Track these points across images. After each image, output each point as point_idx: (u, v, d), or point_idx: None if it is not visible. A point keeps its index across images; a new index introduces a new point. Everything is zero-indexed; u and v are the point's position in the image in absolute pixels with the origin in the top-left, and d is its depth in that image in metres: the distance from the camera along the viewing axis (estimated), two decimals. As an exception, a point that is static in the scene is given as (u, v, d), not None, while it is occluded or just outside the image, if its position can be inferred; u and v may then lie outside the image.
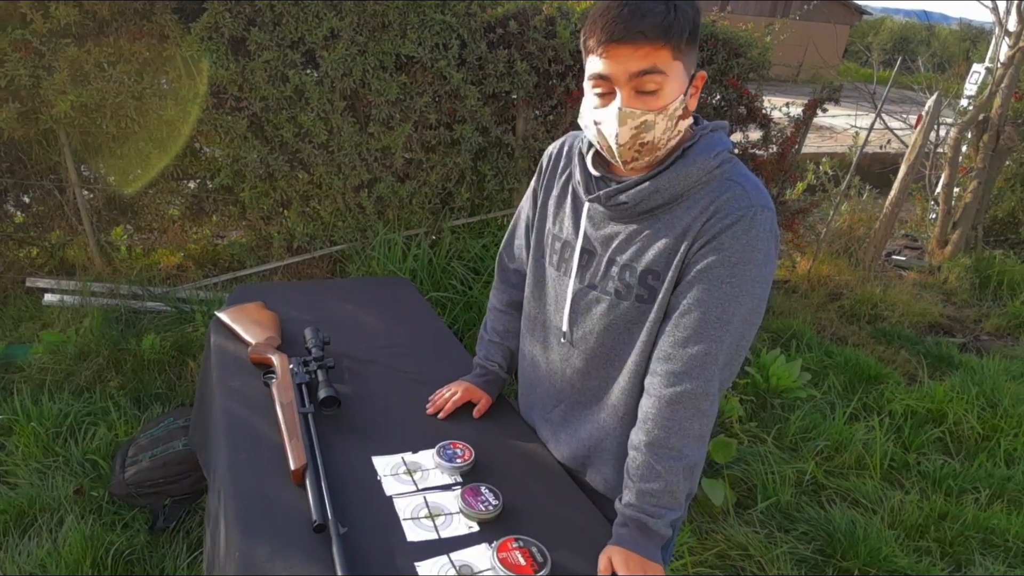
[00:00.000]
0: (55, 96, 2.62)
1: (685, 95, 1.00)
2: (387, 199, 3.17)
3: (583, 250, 1.15)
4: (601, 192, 1.09)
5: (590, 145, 1.15)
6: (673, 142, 1.03)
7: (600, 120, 1.01)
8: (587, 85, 1.03)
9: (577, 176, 1.15)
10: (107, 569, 1.81)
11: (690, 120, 1.04)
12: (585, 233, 1.14)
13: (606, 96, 1.00)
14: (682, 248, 1.03)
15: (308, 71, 2.92)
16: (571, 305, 1.17)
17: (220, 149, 3.03)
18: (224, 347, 1.59)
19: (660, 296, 1.06)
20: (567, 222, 1.18)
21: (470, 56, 2.97)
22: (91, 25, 2.66)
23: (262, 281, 3.22)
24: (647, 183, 1.04)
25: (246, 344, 1.57)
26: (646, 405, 1.05)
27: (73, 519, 1.92)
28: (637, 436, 1.05)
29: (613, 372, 1.16)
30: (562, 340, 1.21)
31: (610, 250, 1.11)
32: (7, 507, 1.96)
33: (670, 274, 1.04)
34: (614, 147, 1.02)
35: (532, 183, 1.31)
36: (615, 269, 1.10)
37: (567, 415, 1.26)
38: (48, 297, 3.06)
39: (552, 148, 1.26)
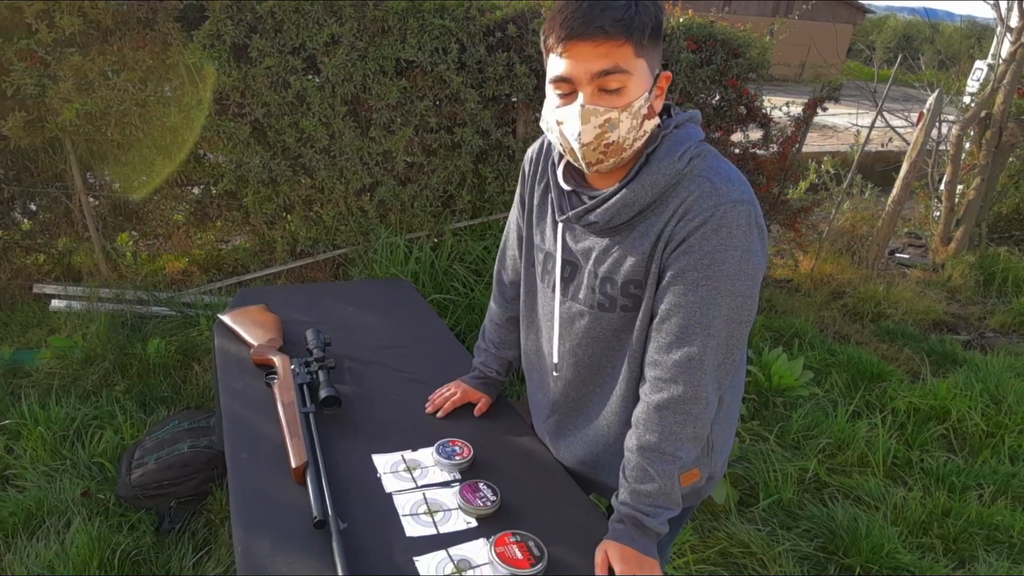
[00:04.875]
0: (60, 104, 2.66)
1: (649, 94, 0.97)
2: (389, 202, 3.19)
3: (565, 262, 1.13)
4: (571, 212, 1.08)
5: (560, 155, 1.13)
6: (639, 143, 1.00)
7: (563, 119, 0.98)
8: (548, 88, 1.00)
9: (552, 190, 1.14)
10: (114, 570, 1.83)
11: (656, 120, 1.02)
12: (565, 246, 1.13)
13: (568, 96, 0.97)
14: (656, 253, 1.01)
15: (309, 77, 2.94)
16: (558, 319, 1.17)
17: (223, 155, 3.06)
18: (227, 349, 1.61)
19: (644, 303, 1.05)
20: (548, 233, 1.17)
21: (470, 60, 2.99)
22: (95, 34, 2.70)
23: (266, 285, 3.25)
24: (615, 199, 1.01)
25: (248, 346, 1.59)
26: (637, 410, 1.05)
27: (80, 521, 1.94)
28: (630, 439, 1.05)
29: (607, 379, 1.15)
30: (553, 354, 1.20)
31: (590, 262, 1.09)
32: (16, 509, 1.99)
33: (650, 281, 1.03)
34: (577, 148, 0.98)
35: (518, 190, 1.28)
36: (597, 282, 1.08)
37: (562, 423, 1.26)
38: (55, 303, 3.09)
39: (531, 151, 1.23)
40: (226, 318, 1.69)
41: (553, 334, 1.18)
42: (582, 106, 0.95)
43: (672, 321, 1.00)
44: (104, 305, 3.05)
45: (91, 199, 3.16)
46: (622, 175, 1.03)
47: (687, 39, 3.19)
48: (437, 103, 3.13)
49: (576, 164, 1.04)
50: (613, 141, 0.97)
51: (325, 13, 2.80)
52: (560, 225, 1.12)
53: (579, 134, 0.97)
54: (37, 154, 3.01)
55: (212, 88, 2.81)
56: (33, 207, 3.25)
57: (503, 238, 1.39)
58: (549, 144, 1.19)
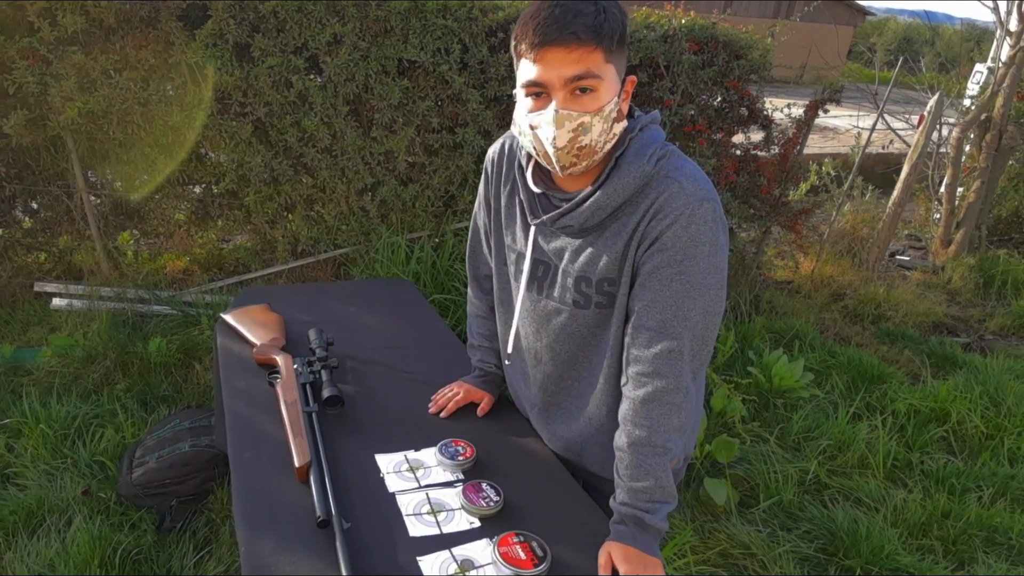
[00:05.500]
0: (62, 103, 2.66)
1: (618, 98, 1.01)
2: (390, 202, 3.19)
3: (537, 262, 1.16)
4: (545, 217, 1.10)
5: (529, 157, 1.15)
6: (609, 146, 1.03)
7: (536, 124, 1.00)
8: (519, 93, 1.02)
9: (521, 192, 1.16)
10: (115, 569, 1.83)
11: (625, 123, 1.05)
12: (537, 246, 1.15)
13: (541, 98, 1.00)
14: (630, 252, 1.05)
15: (311, 76, 2.95)
16: (529, 316, 1.20)
17: (225, 154, 3.06)
18: (229, 348, 1.61)
19: (618, 300, 1.08)
20: (519, 233, 1.19)
21: (472, 60, 2.99)
22: (97, 33, 2.70)
23: (267, 284, 3.25)
24: (589, 202, 1.05)
25: (251, 345, 1.59)
26: (623, 408, 1.07)
27: (81, 520, 1.94)
28: (620, 438, 1.07)
29: (584, 374, 1.18)
30: (528, 350, 1.24)
31: (563, 262, 1.12)
32: (16, 508, 1.99)
33: (624, 278, 1.06)
34: (551, 152, 1.01)
35: (481, 189, 1.30)
36: (571, 280, 1.11)
37: (544, 415, 1.30)
38: (56, 301, 3.09)
39: (492, 152, 1.25)
40: (229, 317, 1.69)
41: (513, 324, 1.23)
42: (556, 111, 0.97)
43: (650, 317, 1.03)
44: (105, 304, 3.05)
45: (92, 198, 3.16)
46: (592, 178, 1.07)
47: (689, 40, 3.19)
48: (439, 103, 3.13)
49: (549, 167, 1.06)
50: (586, 144, 1.00)
51: (328, 13, 2.80)
52: (533, 228, 1.15)
53: (554, 138, 0.99)
54: (39, 152, 3.01)
55: (214, 87, 2.81)
56: (34, 205, 3.25)
57: (470, 235, 1.40)
58: (511, 145, 1.21)
